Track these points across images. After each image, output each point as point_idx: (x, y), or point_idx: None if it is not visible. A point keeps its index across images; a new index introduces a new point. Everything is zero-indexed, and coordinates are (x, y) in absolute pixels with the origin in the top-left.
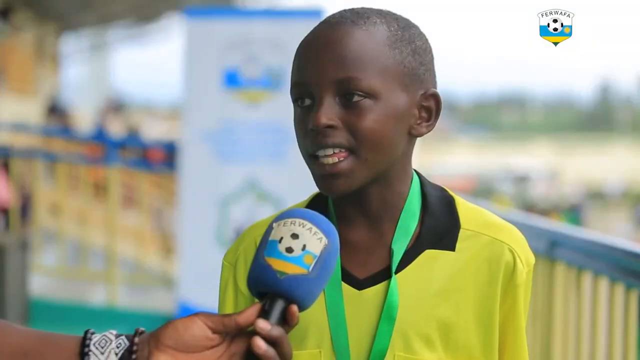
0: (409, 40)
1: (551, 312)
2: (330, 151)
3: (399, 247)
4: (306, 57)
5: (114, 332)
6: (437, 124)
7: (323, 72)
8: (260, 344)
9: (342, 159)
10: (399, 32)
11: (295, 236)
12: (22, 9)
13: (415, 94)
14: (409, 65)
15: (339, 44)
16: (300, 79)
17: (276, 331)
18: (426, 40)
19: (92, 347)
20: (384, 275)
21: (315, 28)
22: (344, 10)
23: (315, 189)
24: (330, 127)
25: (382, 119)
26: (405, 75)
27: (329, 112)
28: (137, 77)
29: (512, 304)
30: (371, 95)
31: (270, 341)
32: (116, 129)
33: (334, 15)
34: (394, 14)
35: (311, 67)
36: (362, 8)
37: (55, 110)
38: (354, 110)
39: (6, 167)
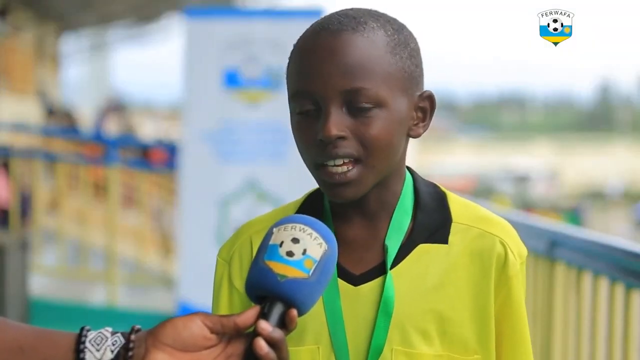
0: (404, 43)
1: (551, 312)
2: (340, 161)
3: (393, 243)
4: (309, 66)
5: (110, 329)
6: (437, 124)
7: (330, 82)
8: (262, 345)
9: (351, 167)
10: (396, 36)
11: (295, 240)
12: (21, 9)
13: (413, 96)
14: (408, 69)
15: (342, 53)
16: (304, 87)
17: (277, 333)
18: (416, 39)
19: (87, 344)
20: (380, 271)
21: (313, 34)
22: (339, 15)
23: (313, 188)
24: (341, 137)
25: (388, 126)
26: (406, 79)
27: (339, 123)
28: (137, 77)
29: (506, 295)
30: (378, 104)
31: (271, 343)
32: (115, 128)
33: (330, 20)
34: (385, 16)
35: (316, 76)
36: (355, 11)
37: (53, 113)
38: (362, 119)
39: (6, 167)
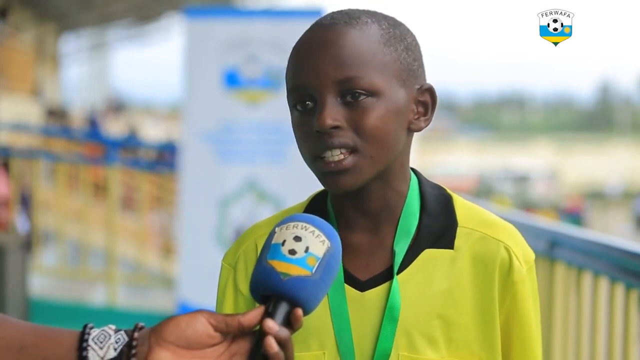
0: (400, 37)
1: (551, 312)
2: (337, 152)
3: (401, 248)
4: (303, 60)
5: (113, 326)
6: (437, 124)
7: (323, 73)
8: (272, 344)
9: (347, 156)
10: (391, 30)
11: (298, 239)
12: (21, 9)
13: (411, 89)
14: (404, 61)
15: (335, 44)
16: (299, 81)
17: (283, 332)
18: (414, 36)
19: (90, 342)
20: (386, 276)
21: (307, 32)
22: (333, 13)
23: (314, 189)
24: (336, 127)
25: (385, 116)
26: (402, 71)
27: (334, 113)
28: (137, 77)
29: (512, 301)
30: (373, 93)
31: (277, 342)
32: (117, 129)
33: (325, 17)
34: (381, 13)
35: (310, 69)
36: (350, 9)
37: (53, 114)
38: (357, 109)
39: (6, 167)
